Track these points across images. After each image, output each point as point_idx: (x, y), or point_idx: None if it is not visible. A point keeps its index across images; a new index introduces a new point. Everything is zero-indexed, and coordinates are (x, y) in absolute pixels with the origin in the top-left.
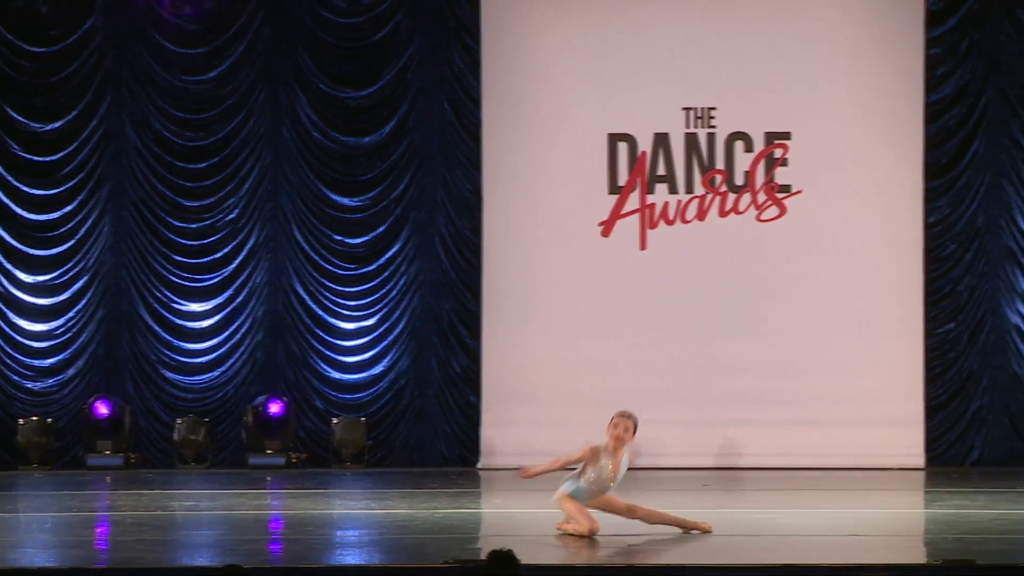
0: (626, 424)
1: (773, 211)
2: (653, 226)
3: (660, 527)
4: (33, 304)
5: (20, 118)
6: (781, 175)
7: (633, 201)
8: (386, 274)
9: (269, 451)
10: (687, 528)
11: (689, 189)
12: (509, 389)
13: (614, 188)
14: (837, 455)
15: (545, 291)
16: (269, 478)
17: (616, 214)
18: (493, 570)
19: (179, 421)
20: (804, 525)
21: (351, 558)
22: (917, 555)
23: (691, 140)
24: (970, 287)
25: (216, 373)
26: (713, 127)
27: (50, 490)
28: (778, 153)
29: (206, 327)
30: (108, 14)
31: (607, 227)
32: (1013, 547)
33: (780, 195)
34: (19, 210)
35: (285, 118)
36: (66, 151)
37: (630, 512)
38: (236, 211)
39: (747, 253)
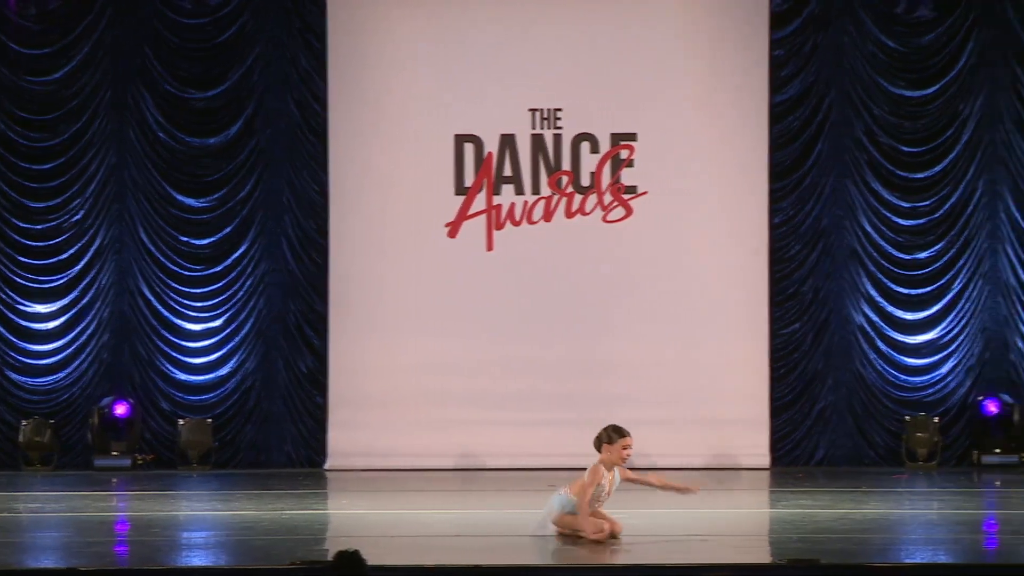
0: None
1: (619, 212)
2: (499, 227)
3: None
4: None
5: None
6: (627, 176)
7: (480, 202)
8: (232, 275)
9: (115, 453)
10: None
11: (535, 190)
12: (356, 390)
13: (460, 189)
14: (682, 455)
15: (392, 292)
16: (115, 480)
17: (462, 215)
18: (340, 571)
19: (24, 423)
20: (650, 525)
21: (197, 560)
22: (762, 555)
23: (537, 141)
24: (814, 287)
25: (62, 375)
26: (559, 128)
27: None
28: (624, 154)
29: (51, 328)
30: None
31: (453, 228)
32: (857, 546)
33: (626, 196)
34: None
35: (131, 119)
36: None
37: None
38: (81, 212)
39: (594, 254)
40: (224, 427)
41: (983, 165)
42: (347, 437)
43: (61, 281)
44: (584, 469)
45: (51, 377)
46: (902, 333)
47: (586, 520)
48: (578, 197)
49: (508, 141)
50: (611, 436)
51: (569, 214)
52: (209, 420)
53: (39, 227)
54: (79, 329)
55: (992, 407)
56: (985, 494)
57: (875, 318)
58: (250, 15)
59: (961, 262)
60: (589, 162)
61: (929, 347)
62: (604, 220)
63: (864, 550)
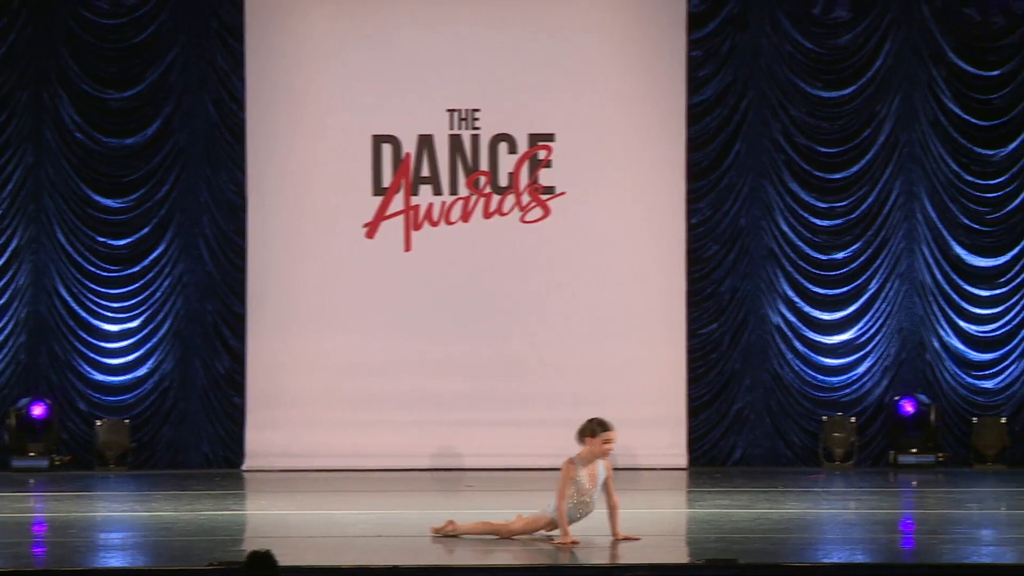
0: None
1: (537, 212)
2: (417, 228)
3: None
4: None
5: None
6: (545, 176)
7: (397, 203)
8: (150, 276)
9: (32, 454)
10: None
11: (453, 191)
12: (273, 391)
13: (378, 190)
14: None
15: (310, 293)
16: (32, 481)
17: (380, 216)
18: (251, 571)
19: None
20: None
21: (115, 561)
22: (680, 555)
23: (455, 141)
24: (732, 288)
25: None
26: (477, 129)
27: None
28: (542, 155)
29: None
30: None
31: (371, 229)
32: (775, 546)
33: (544, 196)
34: None
35: (48, 119)
36: None
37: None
38: None
39: (512, 255)
40: (141, 428)
41: (900, 165)
42: (265, 438)
43: None
44: (504, 470)
45: None
46: (819, 333)
47: (562, 522)
48: (496, 197)
49: (426, 141)
50: (594, 429)
51: (487, 214)
52: (126, 421)
53: None
54: None
55: (908, 407)
56: (901, 494)
57: (792, 318)
58: (167, 15)
59: (878, 262)
60: (507, 162)
61: (846, 347)
62: (522, 220)
63: (782, 550)
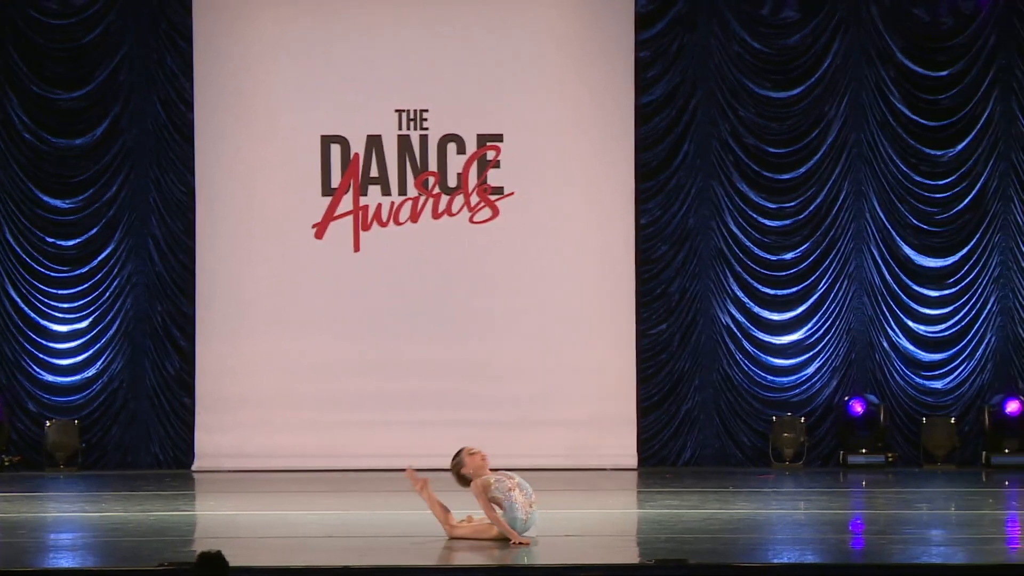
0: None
1: (486, 213)
2: (366, 228)
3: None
4: None
5: None
6: (494, 177)
7: (346, 203)
8: (99, 276)
9: None
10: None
11: (402, 191)
12: (223, 391)
13: (327, 190)
14: (550, 456)
15: (259, 293)
16: None
17: (329, 216)
18: (201, 572)
19: None
20: None
21: (65, 561)
22: (630, 555)
23: (404, 142)
24: (681, 288)
25: None
26: (426, 129)
27: None
28: (491, 155)
29: None
30: None
31: (320, 229)
32: (725, 546)
33: (493, 197)
34: None
35: None
36: None
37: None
38: None
39: (461, 255)
40: (91, 428)
41: (848, 166)
42: (214, 438)
43: None
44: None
45: None
46: (768, 334)
47: (506, 530)
48: (445, 198)
49: (374, 142)
50: (462, 460)
51: (436, 215)
52: (76, 421)
53: None
54: None
55: (858, 407)
56: (851, 494)
57: (742, 319)
58: (116, 15)
59: (827, 263)
60: (456, 163)
61: (795, 347)
62: (471, 221)
63: (732, 550)
